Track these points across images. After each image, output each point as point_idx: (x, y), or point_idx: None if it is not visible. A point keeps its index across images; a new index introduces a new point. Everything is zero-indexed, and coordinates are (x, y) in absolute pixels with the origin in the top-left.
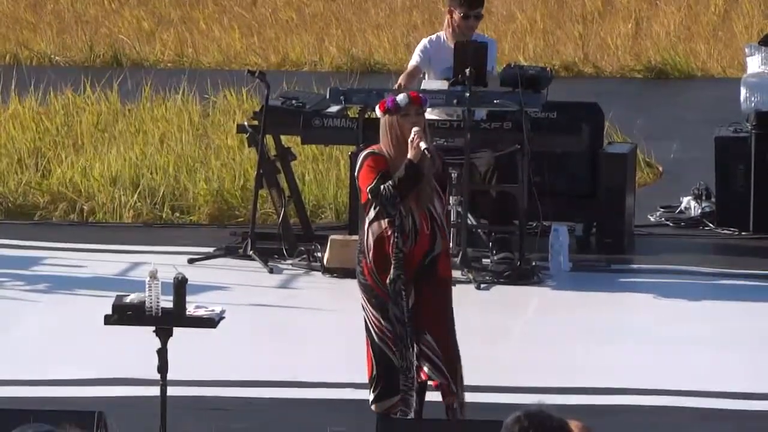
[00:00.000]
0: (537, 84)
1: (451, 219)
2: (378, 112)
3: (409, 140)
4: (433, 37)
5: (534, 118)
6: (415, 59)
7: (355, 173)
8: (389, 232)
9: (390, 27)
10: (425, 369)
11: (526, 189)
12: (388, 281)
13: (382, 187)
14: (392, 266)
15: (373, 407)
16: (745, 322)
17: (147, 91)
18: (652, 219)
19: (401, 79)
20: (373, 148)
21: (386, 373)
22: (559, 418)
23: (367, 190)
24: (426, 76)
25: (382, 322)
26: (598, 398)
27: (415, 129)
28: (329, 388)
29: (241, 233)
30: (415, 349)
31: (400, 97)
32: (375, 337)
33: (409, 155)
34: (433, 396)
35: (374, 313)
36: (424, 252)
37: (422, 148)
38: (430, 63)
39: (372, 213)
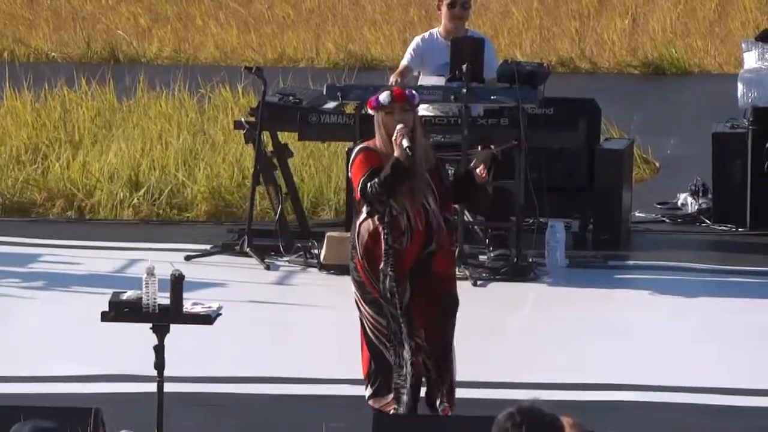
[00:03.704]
0: (534, 80)
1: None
2: (369, 109)
3: (393, 138)
4: (426, 34)
5: (531, 114)
6: (406, 58)
7: (348, 169)
8: (380, 229)
9: (387, 23)
10: (426, 362)
11: (523, 185)
12: (380, 279)
13: (368, 184)
14: (383, 263)
15: (370, 402)
16: (742, 318)
17: (144, 88)
18: (643, 215)
19: (393, 77)
20: (368, 143)
21: (382, 369)
22: (551, 414)
23: (357, 187)
24: (420, 73)
25: (377, 318)
26: (594, 394)
27: (398, 127)
28: (326, 384)
29: (238, 230)
30: (412, 345)
31: (383, 95)
32: (370, 334)
33: (396, 153)
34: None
35: (368, 309)
36: (419, 249)
37: (404, 147)
38: (423, 61)
39: (364, 209)
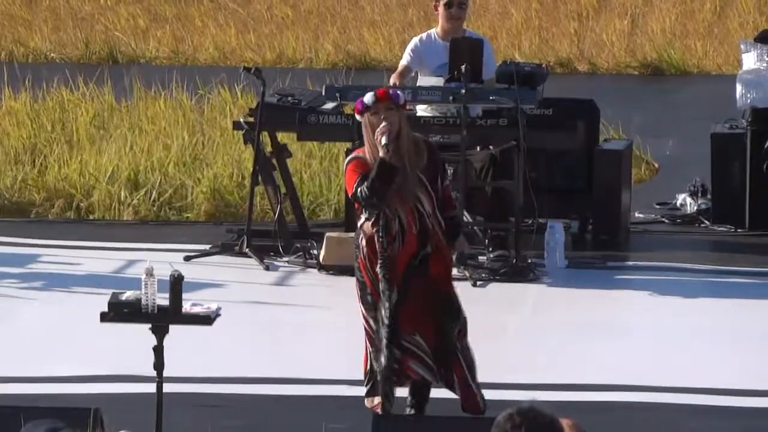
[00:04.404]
0: (533, 81)
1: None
2: (356, 114)
3: (375, 138)
4: (424, 35)
5: (530, 114)
6: (405, 59)
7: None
8: (374, 232)
9: (385, 24)
10: (413, 367)
11: (522, 186)
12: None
13: (359, 190)
14: (378, 266)
15: (365, 401)
16: (741, 319)
17: (141, 89)
18: (643, 216)
19: (393, 78)
20: (358, 152)
21: (374, 370)
22: (550, 415)
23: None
24: (419, 74)
25: (369, 320)
26: (593, 395)
27: (381, 126)
28: (325, 385)
29: (237, 230)
30: (394, 351)
31: (367, 96)
32: (364, 334)
33: (380, 153)
34: (434, 393)
35: (364, 310)
36: (412, 253)
37: (382, 144)
38: (421, 61)
39: (363, 214)
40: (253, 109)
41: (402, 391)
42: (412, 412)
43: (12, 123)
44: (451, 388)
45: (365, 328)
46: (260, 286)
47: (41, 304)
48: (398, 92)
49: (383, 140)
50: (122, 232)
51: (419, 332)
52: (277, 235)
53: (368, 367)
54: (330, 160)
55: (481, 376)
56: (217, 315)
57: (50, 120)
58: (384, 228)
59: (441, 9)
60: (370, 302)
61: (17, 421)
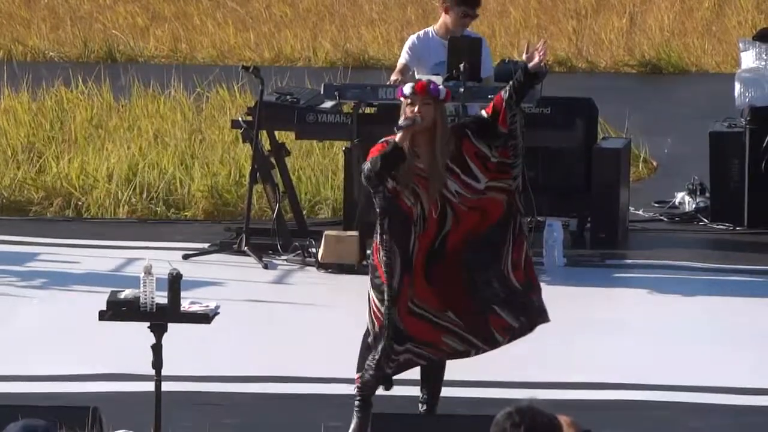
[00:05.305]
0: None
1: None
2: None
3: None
4: (421, 33)
5: (528, 113)
6: (403, 57)
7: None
8: (379, 220)
9: (384, 22)
10: (447, 342)
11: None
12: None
13: (363, 164)
14: (381, 254)
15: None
16: (740, 317)
17: (139, 87)
18: (647, 216)
19: (392, 77)
20: (388, 138)
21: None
22: (549, 413)
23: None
24: (416, 72)
25: (376, 301)
26: (592, 393)
27: (409, 114)
28: (324, 384)
29: (235, 229)
30: (393, 347)
31: (406, 86)
32: (368, 314)
33: (397, 138)
34: (412, 391)
35: (372, 291)
36: (431, 239)
37: (397, 126)
38: (419, 60)
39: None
40: (252, 108)
41: (412, 390)
42: (425, 408)
43: (10, 122)
44: (495, 344)
45: (372, 306)
46: (259, 284)
47: (40, 303)
48: (439, 86)
49: (401, 122)
50: (121, 230)
51: (450, 309)
52: (275, 234)
53: (363, 344)
54: (328, 158)
55: (480, 375)
56: (216, 313)
57: (49, 119)
58: (388, 213)
59: (453, 15)
60: (377, 285)
61: (15, 420)
